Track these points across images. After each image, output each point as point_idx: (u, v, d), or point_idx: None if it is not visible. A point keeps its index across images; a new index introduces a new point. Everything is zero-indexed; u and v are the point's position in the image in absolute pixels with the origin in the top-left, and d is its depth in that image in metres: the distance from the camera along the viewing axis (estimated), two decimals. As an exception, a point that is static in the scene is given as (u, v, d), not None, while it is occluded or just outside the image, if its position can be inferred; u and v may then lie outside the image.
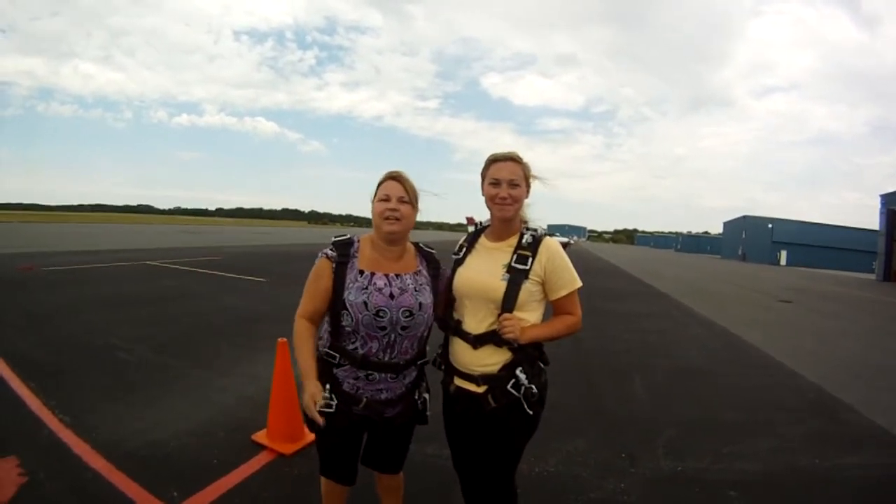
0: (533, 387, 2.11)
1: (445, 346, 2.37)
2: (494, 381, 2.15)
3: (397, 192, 2.17)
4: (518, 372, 2.12)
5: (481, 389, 2.17)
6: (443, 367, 2.37)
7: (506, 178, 2.19)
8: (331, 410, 2.06)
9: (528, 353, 2.17)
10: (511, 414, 2.14)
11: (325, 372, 2.19)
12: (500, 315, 2.13)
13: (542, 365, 2.23)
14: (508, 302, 2.13)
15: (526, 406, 2.11)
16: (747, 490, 3.62)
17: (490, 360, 2.18)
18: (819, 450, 4.40)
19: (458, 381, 2.26)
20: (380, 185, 2.22)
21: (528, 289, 2.16)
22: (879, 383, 7.02)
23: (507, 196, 2.18)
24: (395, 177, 2.21)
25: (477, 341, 2.18)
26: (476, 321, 2.21)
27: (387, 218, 2.14)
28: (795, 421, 5.15)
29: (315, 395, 2.03)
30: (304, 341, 2.17)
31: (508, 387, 2.12)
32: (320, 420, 2.02)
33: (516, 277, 2.15)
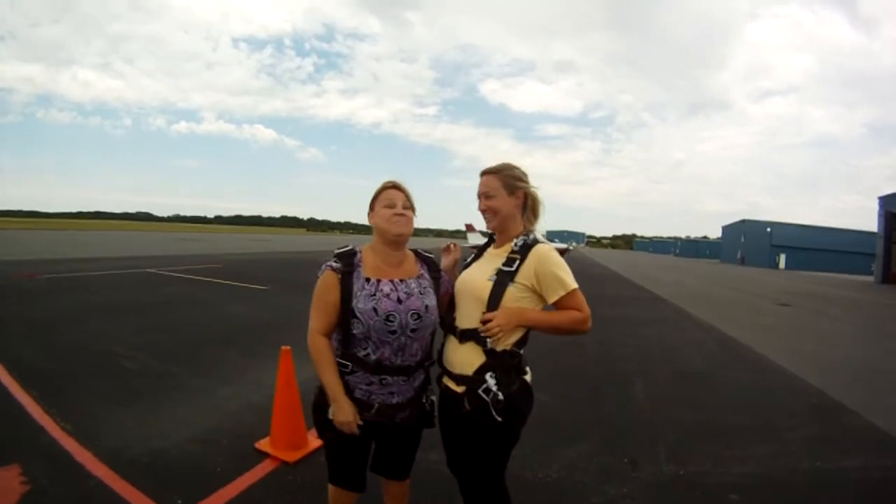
0: (500, 394, 2.12)
1: (442, 345, 2.42)
2: (469, 383, 2.20)
3: (400, 198, 2.26)
4: (488, 377, 2.16)
5: (460, 390, 2.24)
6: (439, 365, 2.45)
7: (482, 192, 2.34)
8: (361, 424, 2.20)
9: (501, 360, 2.19)
10: (482, 419, 2.16)
11: None
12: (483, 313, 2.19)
13: (518, 375, 2.24)
14: (492, 301, 2.18)
15: (493, 412, 2.13)
16: (749, 493, 3.63)
17: (469, 360, 2.22)
18: (820, 453, 4.42)
19: (445, 380, 2.35)
20: (379, 194, 2.29)
21: (514, 293, 2.20)
22: (880, 386, 7.05)
23: (486, 208, 2.33)
24: (395, 185, 2.29)
25: (462, 336, 2.26)
26: (464, 317, 2.28)
27: (394, 222, 2.21)
28: (796, 424, 5.16)
29: (352, 414, 2.19)
30: (326, 359, 2.21)
31: (479, 391, 2.16)
32: (357, 432, 2.20)
33: (502, 279, 2.20)
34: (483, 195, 2.31)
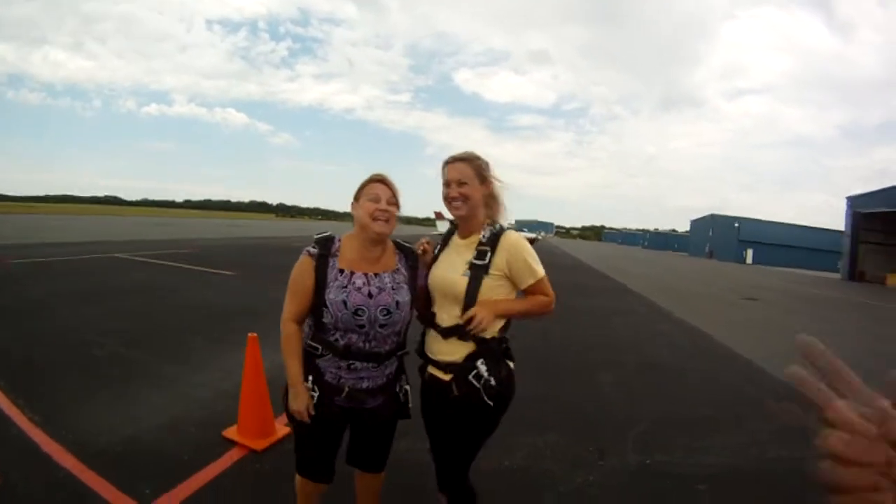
0: (491, 379, 2.19)
1: (423, 336, 2.44)
2: (458, 370, 2.24)
3: (386, 193, 2.23)
4: (479, 363, 2.21)
5: (447, 377, 2.27)
6: (420, 355, 2.46)
7: (454, 179, 2.30)
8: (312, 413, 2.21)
9: (490, 347, 2.25)
10: (471, 404, 2.21)
11: (308, 363, 2.25)
12: (462, 310, 2.22)
13: (506, 360, 2.32)
14: (469, 297, 2.22)
15: (485, 397, 2.19)
16: (716, 483, 3.71)
17: (456, 350, 2.26)
18: (788, 442, 4.47)
19: (430, 369, 2.36)
20: (365, 186, 2.27)
21: (489, 284, 2.24)
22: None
23: (458, 195, 2.29)
24: (382, 179, 2.27)
25: (445, 333, 2.28)
26: (445, 315, 2.31)
27: (377, 219, 2.19)
28: (764, 415, 5.25)
29: (306, 403, 2.20)
30: (293, 346, 2.24)
31: (470, 377, 2.20)
32: (307, 419, 2.21)
33: (476, 273, 2.24)
34: (455, 181, 2.29)
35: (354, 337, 2.19)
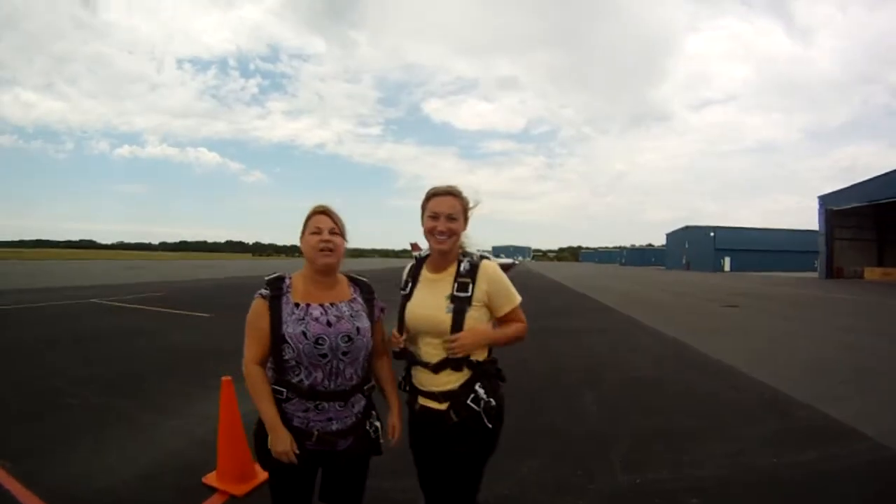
0: (492, 400, 2.21)
1: (408, 371, 2.42)
2: (455, 396, 2.23)
3: (328, 224, 2.23)
4: (477, 387, 2.22)
5: (443, 406, 2.25)
6: (407, 389, 2.42)
7: (444, 213, 2.28)
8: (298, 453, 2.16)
9: (485, 370, 2.28)
10: (471, 428, 2.22)
11: None
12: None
13: (499, 381, 2.34)
14: (456, 331, 2.21)
15: (486, 420, 2.20)
16: (709, 496, 3.66)
17: (451, 380, 2.25)
18: (777, 448, 4.50)
19: (422, 400, 2.33)
20: (308, 219, 2.27)
21: (473, 315, 2.25)
22: (830, 377, 7.32)
23: (446, 230, 2.27)
24: (323, 210, 2.27)
25: (436, 368, 2.26)
26: (430, 351, 2.29)
27: (321, 250, 2.18)
28: (751, 422, 5.26)
29: (289, 443, 2.13)
30: (261, 388, 2.18)
31: (469, 401, 2.20)
32: (296, 461, 2.14)
33: (460, 306, 2.24)
34: (446, 216, 2.27)
35: (319, 375, 2.15)
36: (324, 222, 2.22)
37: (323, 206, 2.28)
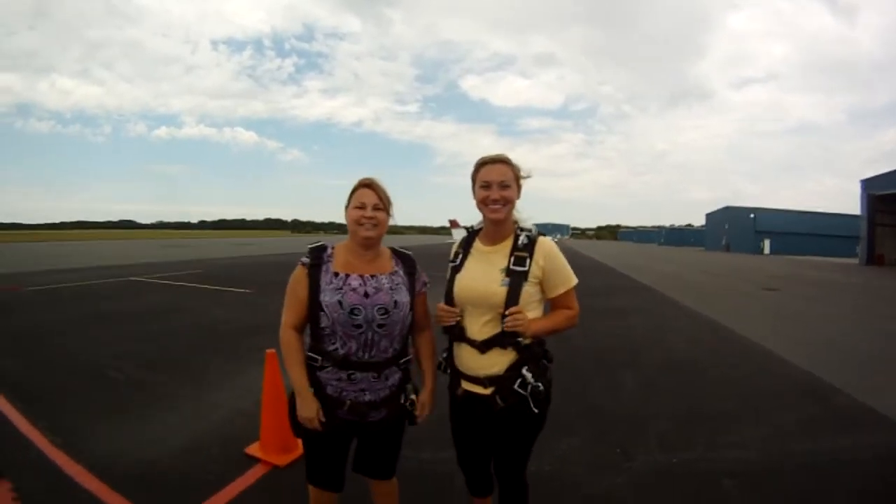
0: (539, 384, 2.15)
1: (450, 351, 2.38)
2: (501, 381, 2.18)
3: (372, 199, 2.22)
4: (524, 371, 2.16)
5: (489, 391, 2.20)
6: (448, 371, 2.40)
7: (496, 181, 2.19)
8: (323, 421, 2.18)
9: (533, 352, 2.21)
10: (519, 412, 2.18)
11: (309, 375, 2.23)
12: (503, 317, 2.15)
13: (546, 362, 2.27)
14: (510, 306, 2.14)
15: (532, 404, 2.15)
16: (743, 478, 3.65)
17: (496, 362, 2.20)
18: (812, 435, 4.45)
19: (466, 385, 2.29)
20: (353, 192, 2.27)
21: (528, 290, 2.19)
22: (868, 365, 7.14)
23: (499, 198, 2.19)
24: (368, 184, 2.25)
25: (483, 346, 2.20)
26: (479, 326, 2.22)
27: (362, 224, 2.19)
28: (787, 407, 5.19)
29: (315, 409, 2.18)
30: (294, 353, 2.23)
31: (515, 386, 2.16)
32: (320, 428, 2.18)
33: (516, 280, 2.17)
34: (498, 183, 2.19)
35: (353, 345, 2.17)
36: (368, 197, 2.22)
37: (369, 180, 2.27)
